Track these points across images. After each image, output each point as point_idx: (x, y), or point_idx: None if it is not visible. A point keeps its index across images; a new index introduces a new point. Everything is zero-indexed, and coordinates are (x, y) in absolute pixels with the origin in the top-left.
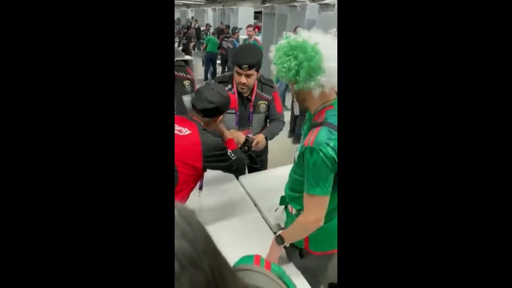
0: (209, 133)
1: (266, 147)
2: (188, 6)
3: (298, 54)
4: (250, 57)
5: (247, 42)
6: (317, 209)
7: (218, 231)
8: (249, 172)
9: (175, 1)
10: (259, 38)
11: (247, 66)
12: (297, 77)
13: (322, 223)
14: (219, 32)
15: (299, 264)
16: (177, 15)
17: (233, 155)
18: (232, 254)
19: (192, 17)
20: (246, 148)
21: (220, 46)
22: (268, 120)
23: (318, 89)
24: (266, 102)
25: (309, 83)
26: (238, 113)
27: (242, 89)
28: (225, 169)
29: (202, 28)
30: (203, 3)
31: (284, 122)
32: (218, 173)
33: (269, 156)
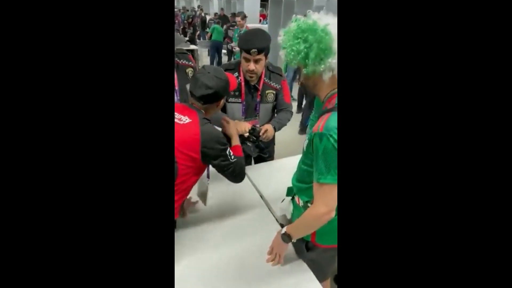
0: (210, 123)
1: (273, 137)
2: None
3: (307, 36)
4: (259, 41)
5: (239, 32)
6: (329, 199)
7: (224, 222)
8: (256, 163)
9: None
10: (265, 26)
11: (255, 50)
12: (307, 60)
13: (334, 214)
14: (223, 19)
15: (305, 257)
16: (182, 3)
17: (233, 157)
18: (237, 245)
19: (199, 6)
20: (254, 138)
21: (226, 35)
22: (275, 110)
23: (328, 72)
24: (274, 92)
25: (319, 66)
26: (244, 103)
27: (251, 77)
28: (222, 169)
29: (208, 17)
30: None
31: (292, 113)
32: None
33: (276, 147)
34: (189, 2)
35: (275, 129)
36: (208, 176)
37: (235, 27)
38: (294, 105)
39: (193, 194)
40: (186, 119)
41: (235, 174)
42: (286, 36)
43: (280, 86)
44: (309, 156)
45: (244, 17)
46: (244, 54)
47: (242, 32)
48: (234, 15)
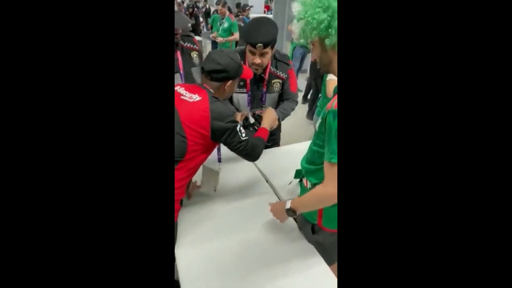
0: (220, 102)
1: (279, 125)
2: None
3: (330, 3)
4: (265, 34)
5: (221, 21)
6: None
7: (229, 205)
8: None
9: None
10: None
11: (261, 45)
12: (330, 30)
13: None
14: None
15: (310, 239)
16: None
17: (244, 135)
18: (242, 227)
19: (206, 1)
20: (250, 127)
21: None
22: (281, 100)
23: None
24: (281, 81)
25: None
26: (250, 93)
27: (256, 69)
28: (233, 147)
29: (213, 9)
30: None
31: (297, 102)
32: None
33: (282, 135)
34: None
35: (279, 119)
36: (219, 160)
37: (240, 16)
38: (300, 95)
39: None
40: (196, 97)
41: (246, 153)
42: (304, 6)
43: (287, 75)
44: (320, 137)
45: (225, 4)
46: (249, 47)
47: (224, 20)
48: (239, 6)
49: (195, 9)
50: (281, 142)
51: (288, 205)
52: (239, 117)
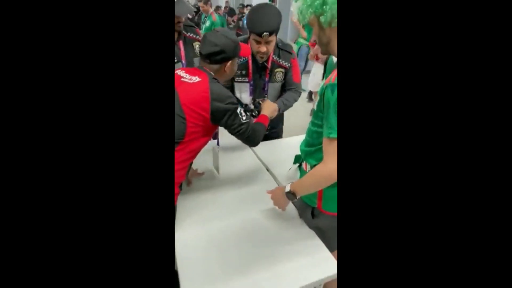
0: (220, 84)
1: (281, 117)
2: None
3: None
4: (270, 23)
5: (204, 19)
6: None
7: (229, 193)
8: (263, 141)
9: None
10: None
11: (267, 34)
12: (324, 7)
13: None
14: (230, 12)
15: (311, 224)
16: None
17: (245, 118)
18: (241, 213)
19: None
20: (255, 113)
21: (238, 26)
22: (284, 90)
23: None
24: (284, 70)
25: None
26: (252, 82)
27: (261, 57)
28: (233, 130)
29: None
30: None
31: (300, 93)
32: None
33: (284, 128)
34: None
35: (280, 110)
36: (218, 143)
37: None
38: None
39: (198, 166)
40: (196, 79)
41: (246, 136)
42: None
43: (290, 64)
44: (319, 115)
45: (207, 1)
46: (254, 37)
47: (207, 19)
48: (243, 6)
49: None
50: (284, 135)
51: (287, 188)
52: None
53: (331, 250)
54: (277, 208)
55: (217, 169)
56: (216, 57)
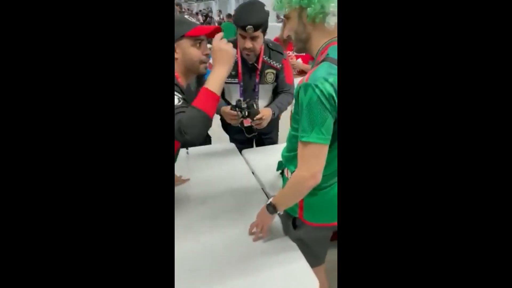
0: None
1: (276, 123)
2: None
3: None
4: (255, 16)
5: None
6: (313, 161)
7: (213, 204)
8: (258, 145)
9: None
10: None
11: (251, 27)
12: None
13: (319, 179)
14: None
15: (293, 236)
16: (201, 7)
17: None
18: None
19: (220, 12)
20: (240, 113)
21: None
22: (276, 92)
23: (334, 16)
24: (275, 71)
25: (328, 4)
26: (242, 83)
27: (248, 55)
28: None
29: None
30: None
31: (293, 95)
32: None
33: (280, 134)
34: (208, 5)
35: (274, 115)
36: (187, 148)
37: None
38: None
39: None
40: None
41: (184, 127)
42: None
43: (281, 65)
44: (296, 119)
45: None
46: (240, 31)
47: None
48: None
49: (208, 18)
50: (279, 141)
51: (268, 201)
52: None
53: (313, 264)
54: (257, 229)
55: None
56: None
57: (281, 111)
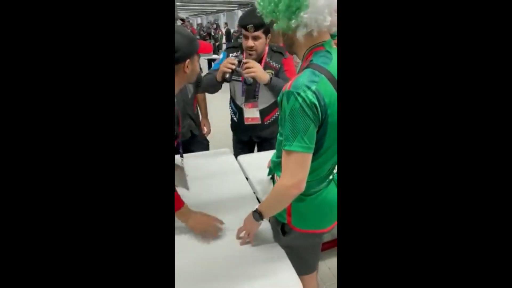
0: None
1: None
2: (220, 11)
3: None
4: (255, 17)
5: None
6: (296, 170)
7: (207, 207)
8: (259, 150)
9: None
10: None
11: (252, 26)
12: (276, 14)
13: (303, 188)
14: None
15: (282, 243)
16: (211, 19)
17: None
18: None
19: (226, 24)
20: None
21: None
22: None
23: (302, 29)
24: (273, 71)
25: (291, 21)
26: (244, 82)
27: (250, 54)
28: None
29: (232, 30)
30: (235, 7)
31: None
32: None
33: None
34: (217, 18)
35: (270, 80)
36: (181, 156)
37: None
38: None
39: None
40: None
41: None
42: None
43: (280, 65)
44: (281, 124)
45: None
46: (243, 32)
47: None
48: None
49: (214, 30)
50: None
51: (254, 208)
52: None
53: (303, 272)
54: (243, 235)
55: (186, 187)
56: None
57: (277, 82)
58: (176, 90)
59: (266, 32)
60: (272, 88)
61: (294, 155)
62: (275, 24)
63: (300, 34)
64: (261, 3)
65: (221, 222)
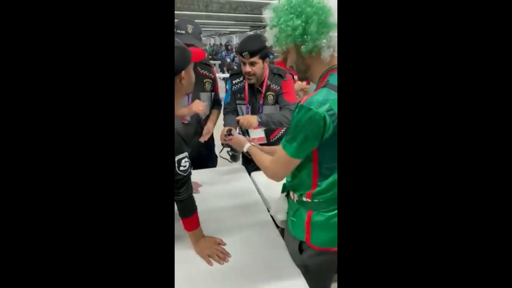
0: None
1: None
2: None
3: (304, 9)
4: (251, 44)
5: None
6: (282, 167)
7: (218, 222)
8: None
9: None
10: None
11: (247, 53)
12: (305, 36)
13: (280, 181)
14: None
15: (298, 261)
16: (223, 41)
17: (185, 173)
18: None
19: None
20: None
21: None
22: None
23: (328, 49)
24: (274, 93)
25: (320, 41)
26: (248, 105)
27: (249, 79)
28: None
29: None
30: (247, 29)
31: (291, 111)
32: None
33: None
34: (230, 39)
35: (261, 122)
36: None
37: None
38: None
39: None
40: None
41: (183, 198)
42: (276, 13)
43: (279, 87)
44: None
45: None
46: (240, 58)
47: None
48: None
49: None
50: None
51: (246, 148)
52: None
53: None
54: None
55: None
56: None
57: (268, 120)
58: (176, 103)
59: (263, 57)
60: (266, 124)
61: (285, 155)
62: (303, 47)
63: (326, 53)
64: (287, 29)
65: (224, 243)
